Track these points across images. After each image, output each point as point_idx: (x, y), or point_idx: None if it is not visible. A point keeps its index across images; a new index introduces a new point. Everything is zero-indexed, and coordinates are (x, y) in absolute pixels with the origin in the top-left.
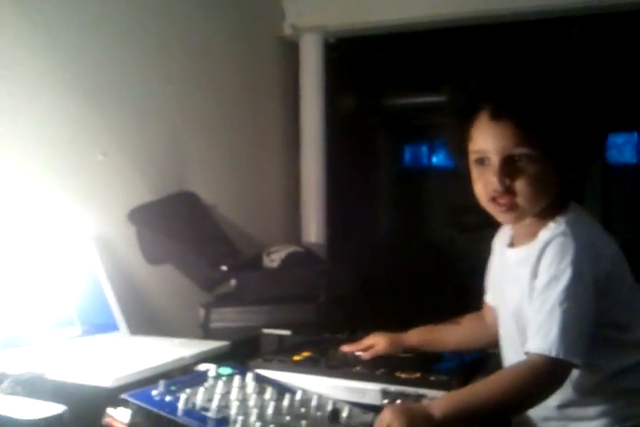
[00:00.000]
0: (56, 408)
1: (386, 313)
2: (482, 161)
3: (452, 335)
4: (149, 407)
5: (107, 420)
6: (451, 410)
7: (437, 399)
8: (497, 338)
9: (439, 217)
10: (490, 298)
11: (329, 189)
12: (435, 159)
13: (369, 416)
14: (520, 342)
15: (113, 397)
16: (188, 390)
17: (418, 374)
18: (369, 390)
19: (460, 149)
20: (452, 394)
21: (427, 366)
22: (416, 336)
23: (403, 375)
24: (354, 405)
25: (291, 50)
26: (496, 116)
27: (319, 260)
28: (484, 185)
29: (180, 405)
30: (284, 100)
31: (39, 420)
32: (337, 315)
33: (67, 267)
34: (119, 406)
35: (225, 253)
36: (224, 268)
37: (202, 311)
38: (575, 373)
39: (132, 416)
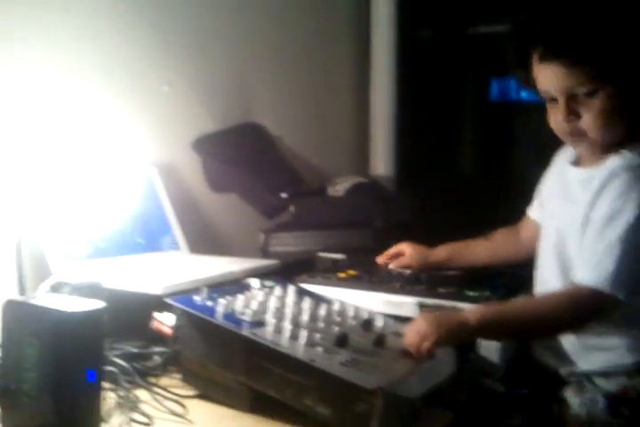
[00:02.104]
0: (97, 304)
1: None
2: (552, 100)
3: (482, 250)
4: (190, 310)
5: (154, 323)
6: (486, 321)
7: (474, 308)
8: (530, 254)
9: (528, 155)
10: (536, 212)
11: (400, 122)
12: (524, 93)
13: (402, 326)
14: (559, 264)
15: (161, 303)
16: (228, 297)
17: (455, 290)
18: (406, 303)
19: (531, 87)
20: (489, 305)
21: (468, 283)
22: (445, 253)
23: (441, 290)
24: (390, 316)
25: None
26: (545, 58)
27: (384, 190)
28: (555, 122)
29: (219, 309)
30: (354, 29)
31: (79, 312)
32: (393, 241)
33: (133, 191)
34: (166, 311)
35: (288, 181)
36: (284, 195)
37: (261, 236)
38: None
39: (176, 319)
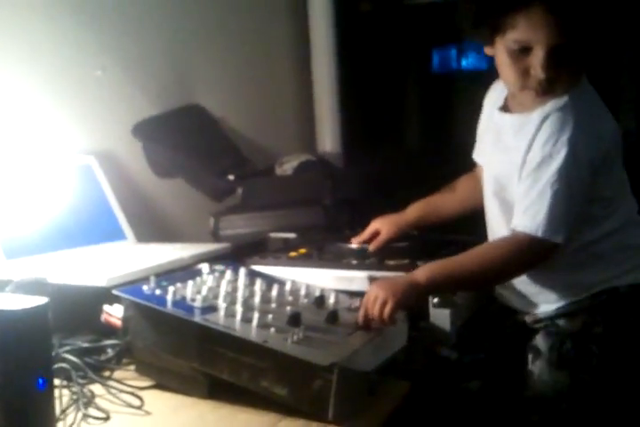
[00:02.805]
0: (39, 300)
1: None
2: (522, 50)
3: (449, 203)
4: (139, 301)
5: (104, 316)
6: (435, 276)
7: (421, 268)
8: None
9: (470, 122)
10: (478, 156)
11: (344, 97)
12: (465, 62)
13: (355, 301)
14: (503, 211)
15: (109, 295)
16: (178, 284)
17: (406, 261)
18: (356, 278)
19: (492, 33)
20: (436, 263)
21: (418, 253)
22: (415, 213)
23: (391, 263)
24: (342, 292)
25: None
26: (555, 9)
27: (332, 167)
28: (521, 74)
29: (169, 297)
30: (291, 5)
31: (21, 310)
32: (344, 217)
33: (72, 182)
34: (115, 303)
35: (234, 163)
36: (231, 177)
37: (211, 220)
38: None
39: (125, 311)
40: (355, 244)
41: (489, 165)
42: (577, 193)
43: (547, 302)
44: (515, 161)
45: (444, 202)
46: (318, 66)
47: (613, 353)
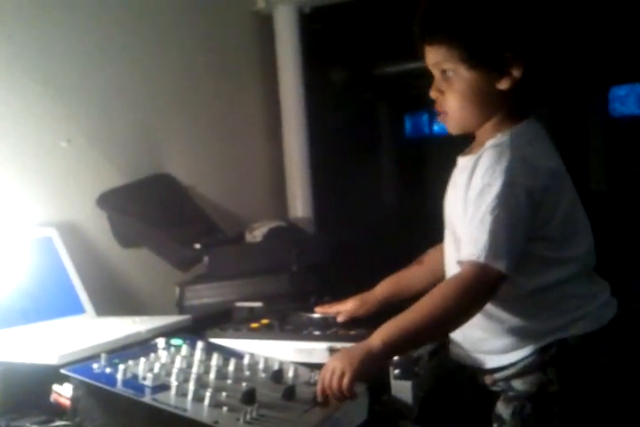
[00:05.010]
0: None
1: (368, 283)
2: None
3: (417, 278)
4: (88, 380)
5: (53, 396)
6: (389, 337)
7: (375, 332)
8: None
9: (443, 186)
10: None
11: (315, 163)
12: (437, 127)
13: (315, 374)
14: (455, 247)
15: (60, 374)
16: (130, 362)
17: (369, 330)
18: (317, 350)
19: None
20: (387, 323)
21: (379, 322)
22: (384, 290)
23: (352, 332)
24: (302, 365)
25: (266, 24)
26: (421, 38)
27: (300, 232)
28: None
29: (119, 376)
30: (261, 74)
31: None
32: (311, 284)
33: (30, 254)
34: (65, 382)
35: (203, 231)
36: (197, 246)
37: (177, 290)
38: None
39: (74, 390)
40: (318, 314)
41: (445, 206)
42: (518, 220)
43: (493, 353)
44: (459, 198)
45: (414, 276)
46: (289, 133)
47: (573, 410)
